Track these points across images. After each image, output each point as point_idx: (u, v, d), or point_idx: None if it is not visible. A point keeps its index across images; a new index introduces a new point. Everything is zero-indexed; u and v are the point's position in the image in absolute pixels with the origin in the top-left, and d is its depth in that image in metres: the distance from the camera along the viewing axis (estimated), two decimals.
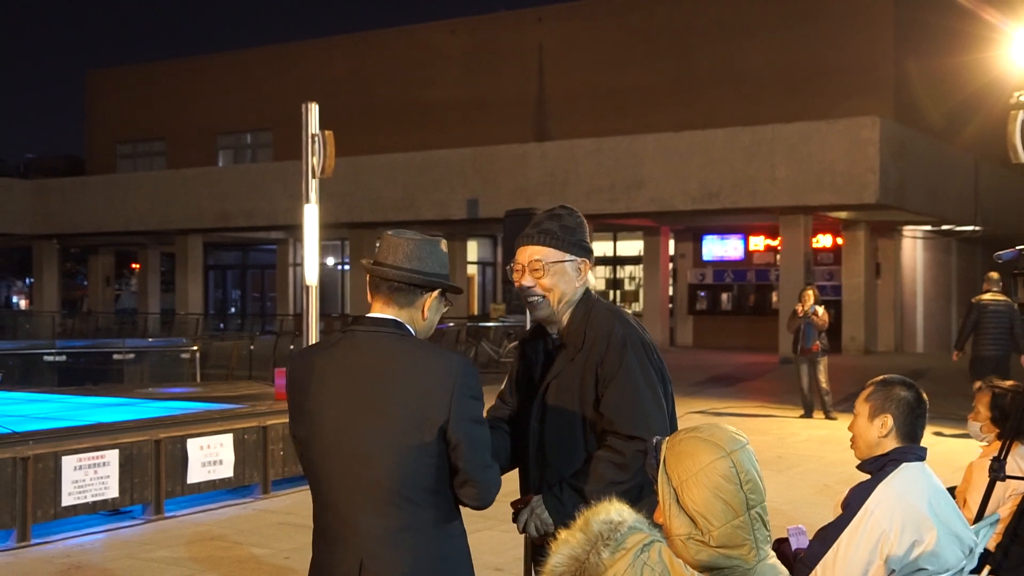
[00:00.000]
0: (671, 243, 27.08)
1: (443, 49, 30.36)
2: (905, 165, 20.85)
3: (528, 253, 3.24)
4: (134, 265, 39.75)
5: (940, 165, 23.18)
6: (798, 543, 3.36)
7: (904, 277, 25.85)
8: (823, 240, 25.35)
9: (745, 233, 26.61)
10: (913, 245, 26.39)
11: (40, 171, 50.65)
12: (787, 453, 10.66)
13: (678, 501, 2.13)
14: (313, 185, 10.18)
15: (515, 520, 3.22)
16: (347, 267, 31.84)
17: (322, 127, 10.13)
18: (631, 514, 2.07)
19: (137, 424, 8.42)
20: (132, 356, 19.70)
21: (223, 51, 39.87)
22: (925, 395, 3.40)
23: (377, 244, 2.84)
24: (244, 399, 10.71)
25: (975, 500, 4.34)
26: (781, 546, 3.34)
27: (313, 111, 10.20)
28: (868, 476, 3.33)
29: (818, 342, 13.02)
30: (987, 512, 4.23)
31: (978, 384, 11.98)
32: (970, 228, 25.21)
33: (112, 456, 7.43)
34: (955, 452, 9.59)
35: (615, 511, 2.05)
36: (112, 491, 7.42)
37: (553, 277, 3.21)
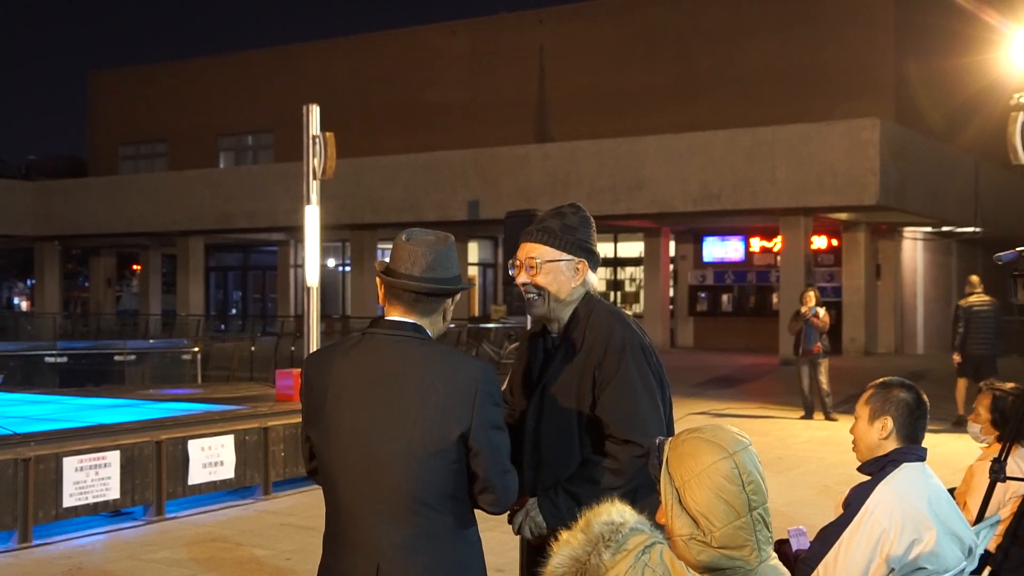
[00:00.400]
0: (672, 244, 27.08)
1: (444, 50, 30.37)
2: (905, 166, 20.86)
3: (526, 250, 3.23)
4: (135, 266, 39.78)
5: (940, 166, 23.18)
6: (799, 544, 3.37)
7: (904, 278, 25.83)
8: (823, 241, 25.36)
9: (746, 234, 26.61)
10: (913, 246, 26.37)
11: (42, 172, 50.71)
12: (787, 454, 10.67)
13: (680, 501, 2.13)
14: (314, 186, 10.20)
15: (510, 521, 3.22)
16: (348, 268, 31.85)
17: (323, 128, 10.16)
18: (633, 515, 2.07)
19: (138, 425, 8.44)
20: (133, 357, 19.76)
21: (225, 52, 39.94)
22: (925, 396, 3.40)
23: (378, 247, 2.83)
24: (245, 400, 10.74)
25: (975, 502, 4.34)
26: (782, 547, 3.34)
27: (314, 112, 10.23)
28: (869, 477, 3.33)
29: (819, 344, 13.09)
30: (987, 514, 4.23)
31: (963, 382, 12.01)
32: (970, 229, 25.19)
33: (113, 457, 7.44)
34: (955, 453, 9.58)
35: (617, 512, 2.06)
36: (113, 492, 7.43)
37: (547, 276, 3.18)
